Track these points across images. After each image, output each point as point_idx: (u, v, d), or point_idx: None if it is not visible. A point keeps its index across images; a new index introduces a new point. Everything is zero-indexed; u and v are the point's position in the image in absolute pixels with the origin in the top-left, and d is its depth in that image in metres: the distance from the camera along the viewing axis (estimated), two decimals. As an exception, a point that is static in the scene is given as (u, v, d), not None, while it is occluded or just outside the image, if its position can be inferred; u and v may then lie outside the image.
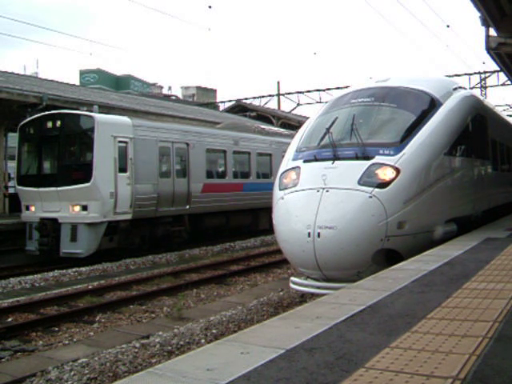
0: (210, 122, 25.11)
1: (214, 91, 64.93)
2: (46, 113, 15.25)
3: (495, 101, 74.85)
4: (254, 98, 38.77)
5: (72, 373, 5.87)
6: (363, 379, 2.60)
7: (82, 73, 63.90)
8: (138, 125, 15.26)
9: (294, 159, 8.42)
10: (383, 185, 7.22)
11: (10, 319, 8.72)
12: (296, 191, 7.66)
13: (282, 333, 3.48)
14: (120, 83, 63.12)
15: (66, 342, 7.49)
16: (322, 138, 8.21)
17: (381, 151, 7.60)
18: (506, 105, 38.50)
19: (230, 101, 41.15)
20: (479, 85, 32.91)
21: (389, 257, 7.28)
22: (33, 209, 14.66)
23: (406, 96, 8.72)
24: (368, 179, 7.26)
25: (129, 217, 14.58)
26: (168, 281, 11.49)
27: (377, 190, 7.14)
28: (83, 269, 12.77)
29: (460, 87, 9.85)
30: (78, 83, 44.52)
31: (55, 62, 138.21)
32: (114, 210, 14.08)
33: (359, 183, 7.22)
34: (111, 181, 14.06)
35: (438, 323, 3.60)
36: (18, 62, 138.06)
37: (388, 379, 2.58)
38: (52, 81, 25.79)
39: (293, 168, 8.16)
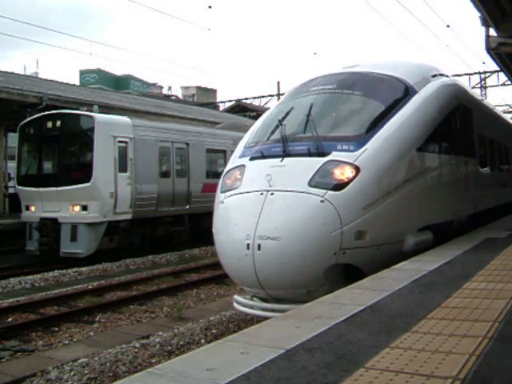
0: (210, 122, 25.12)
1: (214, 91, 64.83)
2: (46, 113, 15.25)
3: (495, 101, 74.90)
4: (254, 98, 38.75)
5: (72, 373, 5.87)
6: (363, 379, 2.60)
7: (82, 73, 63.82)
8: (138, 125, 15.27)
9: (240, 156, 7.32)
10: (339, 187, 6.11)
11: (10, 319, 8.72)
12: (236, 194, 6.55)
13: (282, 333, 3.48)
14: (120, 83, 63.05)
15: (66, 342, 7.48)
16: (273, 132, 7.11)
17: (339, 146, 6.47)
18: (506, 105, 38.53)
19: (230, 101, 41.16)
20: (479, 85, 32.92)
21: (348, 273, 6.25)
22: (33, 209, 14.66)
23: (375, 83, 7.61)
24: (321, 180, 6.17)
25: (129, 217, 14.59)
26: (168, 281, 11.49)
27: (330, 192, 6.02)
28: (83, 269, 12.78)
29: (441, 74, 8.72)
30: (78, 83, 44.49)
31: (55, 62, 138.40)
32: (113, 210, 14.10)
33: (310, 185, 6.11)
34: (111, 181, 14.07)
35: (437, 323, 3.60)
36: (18, 61, 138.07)
37: (388, 379, 2.59)
38: (52, 81, 25.75)
39: (237, 167, 7.04)
